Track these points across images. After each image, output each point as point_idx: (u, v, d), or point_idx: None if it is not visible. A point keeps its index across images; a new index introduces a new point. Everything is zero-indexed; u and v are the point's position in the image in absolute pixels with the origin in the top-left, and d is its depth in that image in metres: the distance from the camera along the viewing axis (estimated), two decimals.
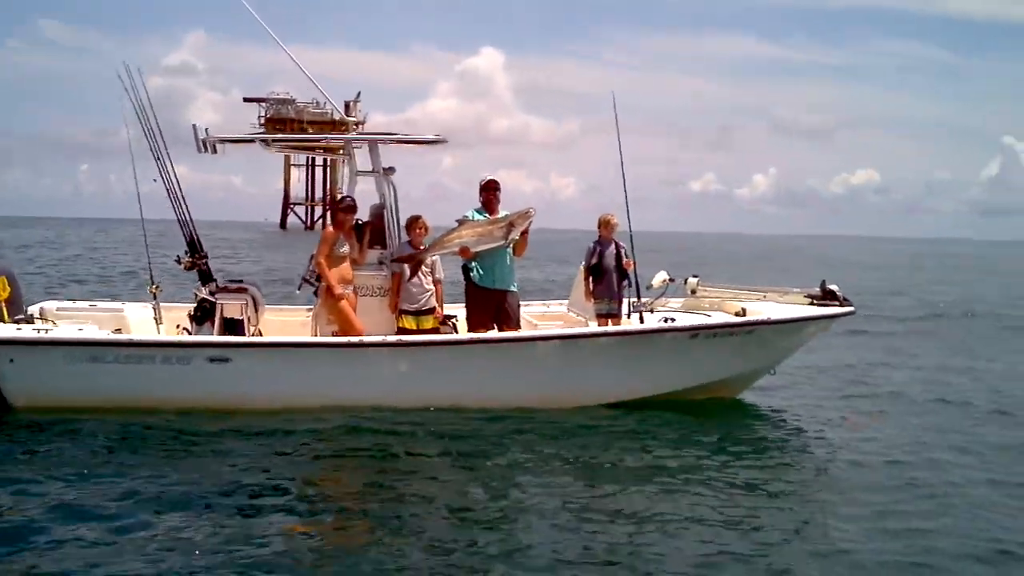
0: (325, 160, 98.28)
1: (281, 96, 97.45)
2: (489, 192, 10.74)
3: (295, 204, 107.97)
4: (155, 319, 10.78)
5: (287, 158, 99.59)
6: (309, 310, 11.03)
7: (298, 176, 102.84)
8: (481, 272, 10.69)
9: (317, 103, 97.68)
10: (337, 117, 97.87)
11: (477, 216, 10.65)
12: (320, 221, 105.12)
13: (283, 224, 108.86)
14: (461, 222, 10.49)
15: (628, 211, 10.87)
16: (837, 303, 11.52)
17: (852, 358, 15.80)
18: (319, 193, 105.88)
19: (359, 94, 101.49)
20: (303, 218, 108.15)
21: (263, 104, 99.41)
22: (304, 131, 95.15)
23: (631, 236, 10.87)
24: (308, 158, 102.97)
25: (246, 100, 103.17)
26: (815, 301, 11.62)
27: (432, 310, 10.66)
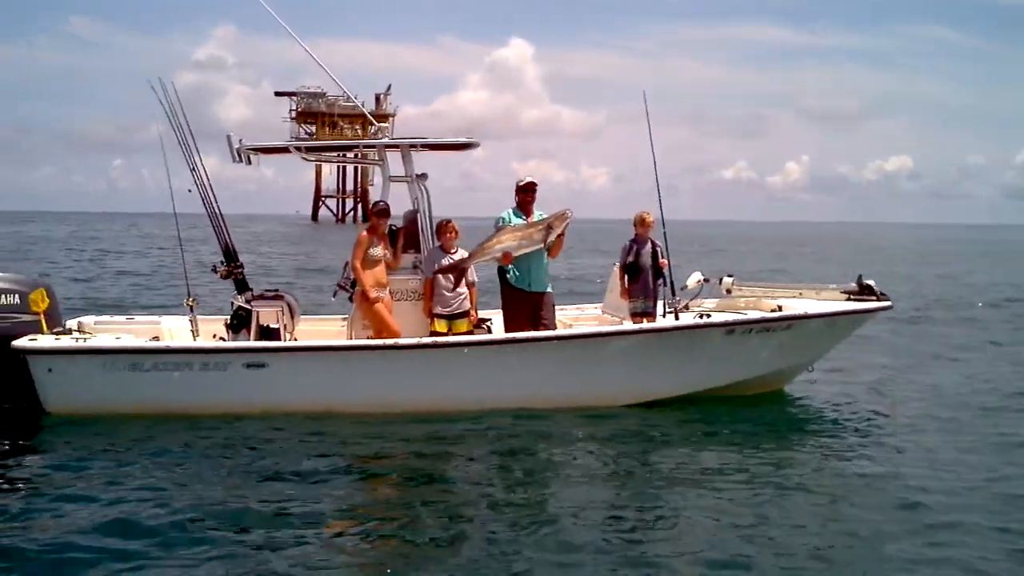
0: (356, 153, 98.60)
1: (312, 90, 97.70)
2: (527, 194, 10.73)
3: (326, 197, 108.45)
4: (192, 331, 10.88)
5: (313, 139, 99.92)
6: (344, 319, 11.07)
7: (329, 169, 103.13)
8: (517, 274, 10.68)
9: (348, 95, 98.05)
10: (368, 110, 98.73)
11: (513, 217, 10.66)
12: (351, 214, 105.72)
13: (314, 217, 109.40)
14: (499, 226, 10.49)
15: (661, 206, 10.84)
16: (874, 298, 11.44)
17: (892, 353, 15.60)
18: (350, 186, 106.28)
19: (389, 87, 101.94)
20: (334, 211, 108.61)
21: (294, 98, 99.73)
22: (336, 125, 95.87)
23: (664, 229, 10.81)
24: (339, 155, 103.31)
25: (277, 94, 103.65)
26: (852, 296, 11.56)
27: (466, 313, 10.68)
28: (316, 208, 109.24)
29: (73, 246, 51.65)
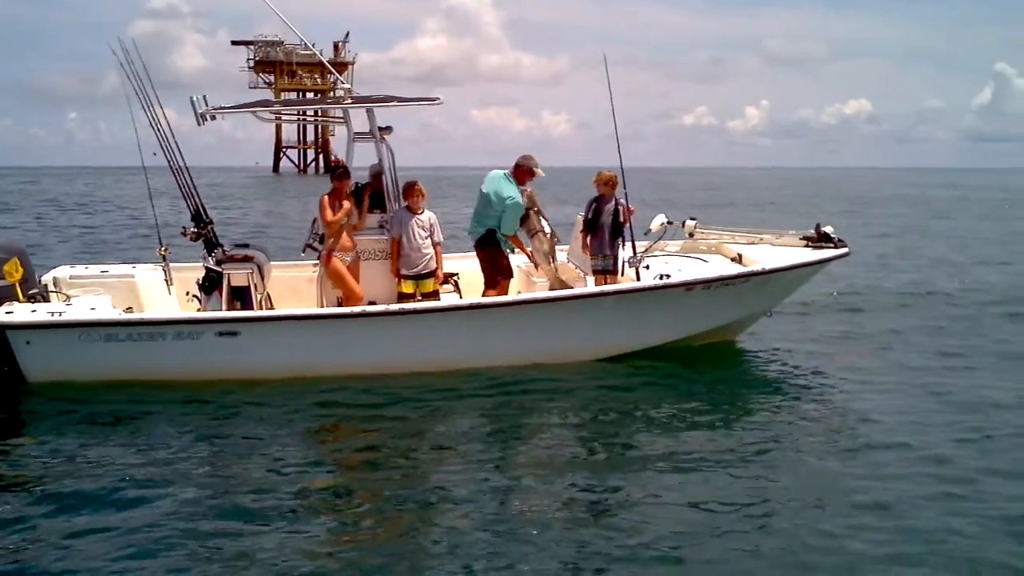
0: (317, 111, 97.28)
1: (269, 39, 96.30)
2: (531, 176, 11.16)
3: (287, 147, 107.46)
4: (166, 281, 11.04)
5: (277, 98, 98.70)
6: (315, 266, 11.23)
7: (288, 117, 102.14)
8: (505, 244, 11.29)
9: (307, 44, 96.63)
10: (326, 59, 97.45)
11: (507, 182, 11.00)
12: (313, 164, 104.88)
13: (276, 168, 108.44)
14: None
15: (621, 161, 10.91)
16: (832, 245, 11.71)
17: (846, 298, 16.04)
18: (311, 137, 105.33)
19: (347, 34, 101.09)
20: (296, 162, 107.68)
21: (251, 47, 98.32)
22: (294, 73, 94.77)
23: (623, 176, 10.87)
24: (299, 97, 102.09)
25: (234, 43, 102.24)
26: (810, 243, 11.80)
27: (432, 273, 10.90)
28: (277, 159, 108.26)
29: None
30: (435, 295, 10.99)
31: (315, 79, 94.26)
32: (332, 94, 11.54)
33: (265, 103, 11.12)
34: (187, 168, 11.04)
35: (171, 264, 11.20)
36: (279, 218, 37.38)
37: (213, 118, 10.67)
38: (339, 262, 10.63)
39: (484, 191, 11.14)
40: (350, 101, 11.06)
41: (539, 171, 11.22)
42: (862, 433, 8.56)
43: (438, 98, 11.16)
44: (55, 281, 10.74)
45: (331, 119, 12.04)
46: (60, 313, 9.79)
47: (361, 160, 11.21)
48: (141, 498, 6.97)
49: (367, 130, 11.09)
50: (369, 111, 11.02)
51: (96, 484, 7.27)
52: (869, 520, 6.56)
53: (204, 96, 10.59)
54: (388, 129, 11.17)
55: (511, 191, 11.01)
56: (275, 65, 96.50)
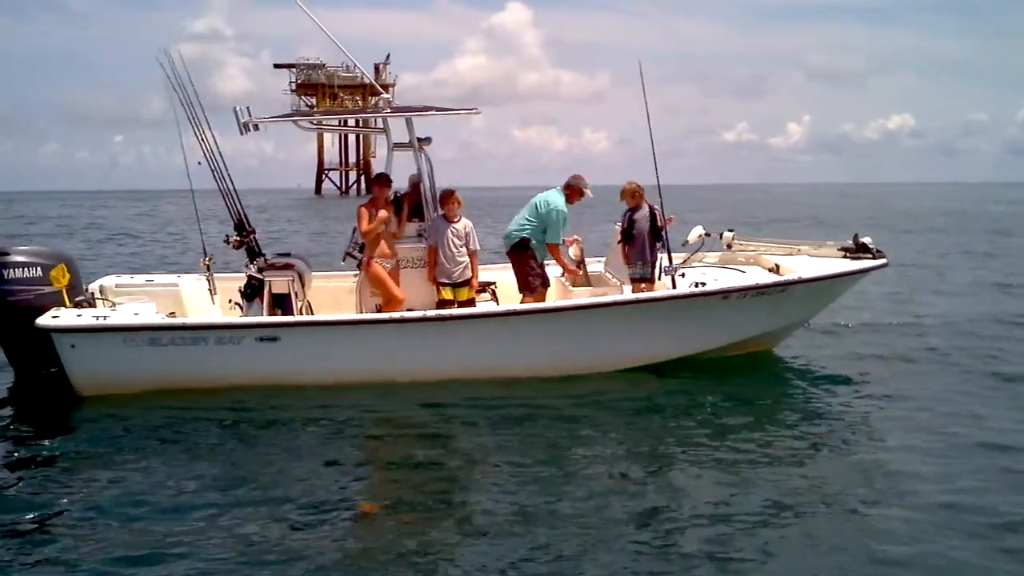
0: (358, 123, 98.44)
1: (311, 61, 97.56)
2: (580, 196, 11.46)
3: (329, 170, 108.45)
4: (209, 291, 11.28)
5: (319, 109, 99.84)
6: (355, 276, 11.41)
7: (331, 141, 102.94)
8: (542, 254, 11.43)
9: (347, 67, 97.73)
10: (368, 81, 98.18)
11: (559, 195, 11.29)
12: (355, 186, 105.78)
13: (318, 190, 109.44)
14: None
15: (657, 174, 10.99)
16: (870, 256, 11.68)
17: (888, 309, 15.88)
18: (352, 158, 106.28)
19: (388, 56, 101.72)
20: (338, 183, 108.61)
21: (293, 70, 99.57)
22: (336, 96, 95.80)
23: (659, 194, 10.99)
24: (340, 122, 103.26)
25: (276, 66, 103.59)
26: (848, 254, 11.78)
27: (467, 281, 11.02)
28: (319, 181, 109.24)
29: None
30: (471, 303, 11.10)
31: (356, 101, 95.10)
32: (378, 97, 11.84)
33: (305, 112, 11.33)
34: (231, 178, 11.29)
35: (215, 274, 11.44)
36: (322, 236, 37.72)
37: (256, 128, 10.91)
38: (379, 266, 10.78)
39: (533, 200, 11.37)
40: (389, 110, 11.26)
41: (588, 192, 11.48)
42: (893, 451, 8.38)
43: (475, 108, 11.36)
44: (101, 289, 11.00)
45: (371, 129, 12.23)
46: (105, 317, 10.03)
47: (400, 177, 11.39)
48: (182, 503, 7.12)
49: (406, 140, 11.27)
50: (408, 121, 11.20)
51: (136, 488, 7.43)
52: (897, 550, 6.34)
53: (248, 107, 10.85)
54: (427, 140, 11.36)
55: (561, 203, 11.22)
56: (317, 88, 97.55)
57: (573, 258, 11.76)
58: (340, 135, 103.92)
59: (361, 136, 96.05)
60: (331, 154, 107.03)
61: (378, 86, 13.66)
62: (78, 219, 58.45)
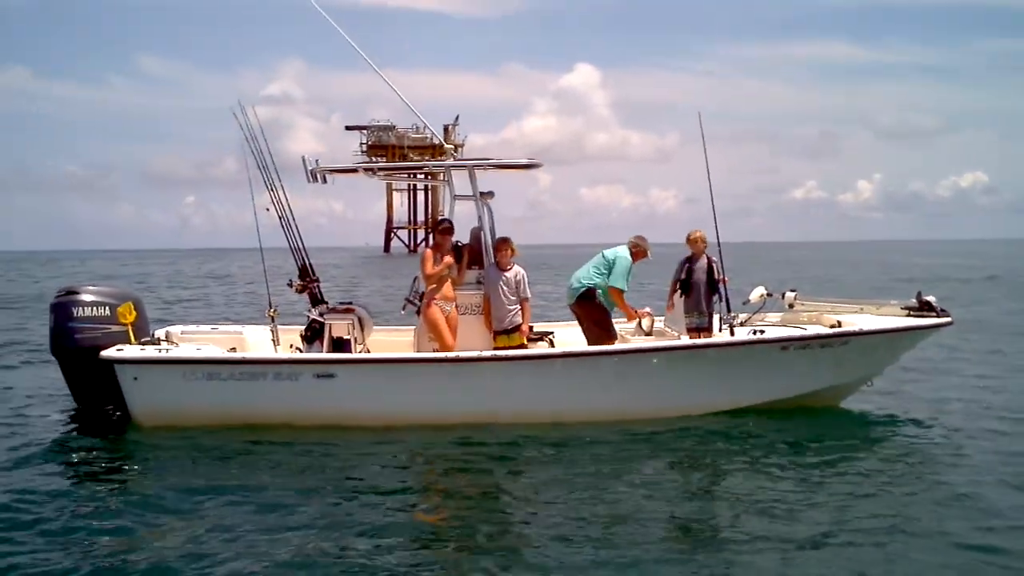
0: (426, 188, 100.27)
1: (382, 123, 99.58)
2: (644, 256, 11.71)
3: (398, 228, 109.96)
4: (272, 340, 11.50)
5: (389, 183, 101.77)
6: (414, 329, 11.55)
7: (400, 200, 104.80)
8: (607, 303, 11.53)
9: (417, 128, 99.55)
10: (437, 141, 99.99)
11: (627, 251, 11.57)
12: (423, 243, 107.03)
13: (387, 248, 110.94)
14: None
15: (716, 227, 11.21)
16: (934, 314, 11.50)
17: (956, 369, 15.51)
18: (420, 216, 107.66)
19: (457, 117, 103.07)
20: (406, 242, 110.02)
21: (364, 131, 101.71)
22: (405, 157, 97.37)
23: (719, 249, 11.17)
24: (409, 182, 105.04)
25: (348, 128, 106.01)
26: (912, 312, 11.63)
27: (517, 328, 11.09)
28: (388, 239, 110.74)
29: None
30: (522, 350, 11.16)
31: (425, 161, 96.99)
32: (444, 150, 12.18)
33: (370, 164, 11.62)
34: (298, 229, 11.59)
35: (279, 326, 11.65)
36: (387, 287, 38.02)
37: (324, 179, 11.23)
38: (437, 310, 10.90)
39: (601, 253, 11.68)
40: (452, 161, 11.50)
41: (650, 255, 11.77)
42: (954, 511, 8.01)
43: (537, 162, 11.52)
44: (167, 335, 11.31)
45: (435, 180, 12.50)
46: (167, 351, 10.32)
47: (463, 224, 11.58)
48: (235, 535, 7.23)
49: (469, 193, 11.47)
50: (471, 173, 11.42)
51: (193, 520, 7.59)
52: None
53: (316, 159, 11.18)
54: (490, 193, 11.60)
55: (628, 255, 11.50)
56: (387, 148, 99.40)
57: (644, 329, 11.89)
58: (409, 193, 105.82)
59: (430, 194, 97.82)
60: (400, 212, 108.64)
61: (444, 143, 13.98)
62: (155, 275, 59.91)
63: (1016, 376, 14.89)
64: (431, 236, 11.41)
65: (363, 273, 59.06)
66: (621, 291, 11.45)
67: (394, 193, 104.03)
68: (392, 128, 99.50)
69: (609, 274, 11.44)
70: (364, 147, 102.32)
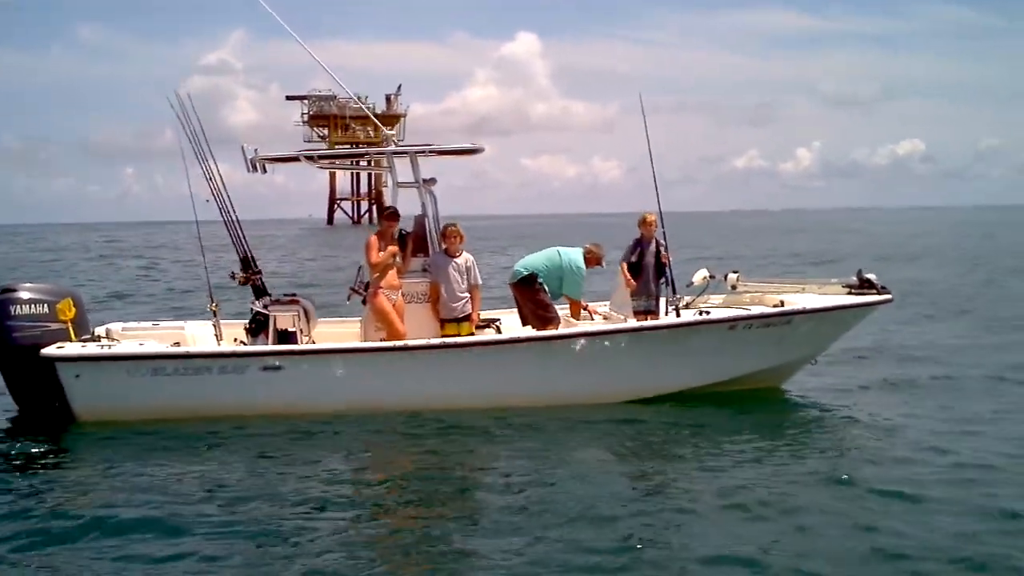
0: (369, 160, 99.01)
1: (323, 93, 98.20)
2: (597, 264, 11.92)
3: (341, 200, 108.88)
4: (215, 336, 11.33)
5: (326, 151, 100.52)
6: (360, 320, 11.48)
7: (343, 172, 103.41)
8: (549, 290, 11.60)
9: (359, 97, 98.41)
10: (379, 111, 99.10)
11: (581, 258, 11.67)
12: (367, 215, 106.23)
13: (330, 220, 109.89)
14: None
15: (659, 203, 11.32)
16: (875, 291, 11.71)
17: (895, 344, 15.80)
18: (364, 188, 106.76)
19: (399, 87, 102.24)
20: (350, 213, 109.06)
21: (305, 101, 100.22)
22: (347, 127, 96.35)
23: (662, 220, 11.31)
24: (352, 170, 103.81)
25: (288, 98, 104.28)
26: (853, 291, 11.82)
27: (468, 316, 11.09)
28: (331, 211, 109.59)
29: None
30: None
31: (368, 132, 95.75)
32: (382, 134, 12.06)
33: (311, 152, 11.48)
34: (237, 218, 11.41)
35: (221, 320, 11.48)
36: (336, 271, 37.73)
37: (264, 169, 11.06)
38: (384, 299, 10.84)
39: (554, 249, 11.78)
40: (393, 148, 11.39)
41: (604, 264, 12.01)
42: (900, 481, 8.26)
43: (479, 147, 11.46)
44: (107, 332, 11.08)
45: (376, 168, 12.41)
46: (109, 347, 10.14)
47: (407, 209, 11.50)
48: (178, 527, 7.24)
49: (411, 180, 11.37)
50: (413, 160, 11.32)
51: (137, 513, 7.54)
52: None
53: (256, 148, 11.01)
54: (432, 180, 11.51)
55: (582, 263, 11.64)
56: (328, 119, 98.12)
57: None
58: (352, 162, 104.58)
59: (373, 163, 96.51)
60: (343, 183, 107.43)
61: (379, 124, 13.84)
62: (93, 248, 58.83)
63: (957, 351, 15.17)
64: (378, 213, 11.29)
65: (310, 246, 58.55)
66: (578, 300, 11.70)
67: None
68: (334, 98, 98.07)
69: (562, 280, 11.53)
70: (305, 117, 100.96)
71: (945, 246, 49.78)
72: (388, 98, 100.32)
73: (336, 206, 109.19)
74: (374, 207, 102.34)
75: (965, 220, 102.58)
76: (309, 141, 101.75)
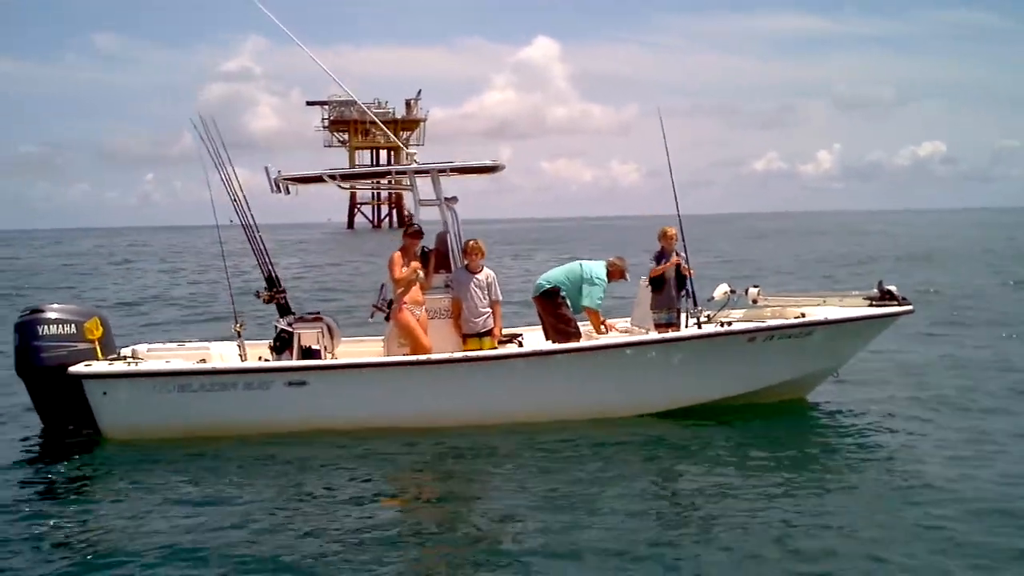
0: (389, 157, 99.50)
1: (343, 98, 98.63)
2: (620, 277, 12.02)
3: (361, 204, 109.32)
4: (240, 356, 11.46)
5: (351, 158, 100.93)
6: (382, 339, 11.54)
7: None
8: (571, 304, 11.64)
9: (379, 102, 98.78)
10: (399, 116, 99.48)
11: (603, 269, 11.79)
12: (387, 219, 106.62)
13: (350, 224, 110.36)
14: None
15: (679, 215, 11.33)
16: (896, 303, 11.69)
17: (919, 354, 15.70)
18: (384, 193, 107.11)
19: (419, 92, 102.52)
20: (370, 217, 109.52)
21: (325, 107, 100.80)
22: (367, 132, 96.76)
23: (680, 227, 11.39)
24: (372, 155, 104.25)
25: (309, 103, 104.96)
26: (874, 302, 11.80)
27: (489, 332, 11.16)
28: (352, 215, 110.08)
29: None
30: None
31: (388, 136, 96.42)
32: (404, 153, 12.19)
33: (333, 171, 11.58)
34: (261, 238, 11.55)
35: (245, 341, 11.61)
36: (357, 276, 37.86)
37: (287, 190, 11.22)
38: (409, 314, 10.92)
39: (576, 263, 11.87)
40: (415, 166, 11.49)
41: (627, 277, 12.05)
42: (925, 500, 8.27)
43: (500, 165, 11.55)
44: (133, 352, 11.19)
45: (399, 187, 12.51)
46: (136, 363, 10.31)
47: (430, 225, 11.61)
48: (200, 551, 7.30)
49: (433, 197, 11.47)
50: (434, 178, 11.42)
51: (161, 535, 7.66)
52: None
53: (279, 170, 11.15)
54: (454, 198, 11.58)
55: (604, 274, 11.67)
56: (349, 124, 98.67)
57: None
58: (372, 166, 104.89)
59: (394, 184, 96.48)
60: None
61: (400, 144, 13.95)
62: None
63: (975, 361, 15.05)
64: (399, 218, 11.39)
65: (332, 250, 58.78)
66: (597, 311, 11.68)
67: (358, 164, 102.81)
68: (354, 103, 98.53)
69: (581, 292, 11.55)
70: (326, 122, 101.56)
71: (965, 248, 49.43)
72: (408, 103, 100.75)
73: (356, 210, 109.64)
74: (394, 211, 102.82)
75: (985, 222, 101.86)
76: (329, 146, 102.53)
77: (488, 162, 11.58)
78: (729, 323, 11.22)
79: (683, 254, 11.65)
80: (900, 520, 7.64)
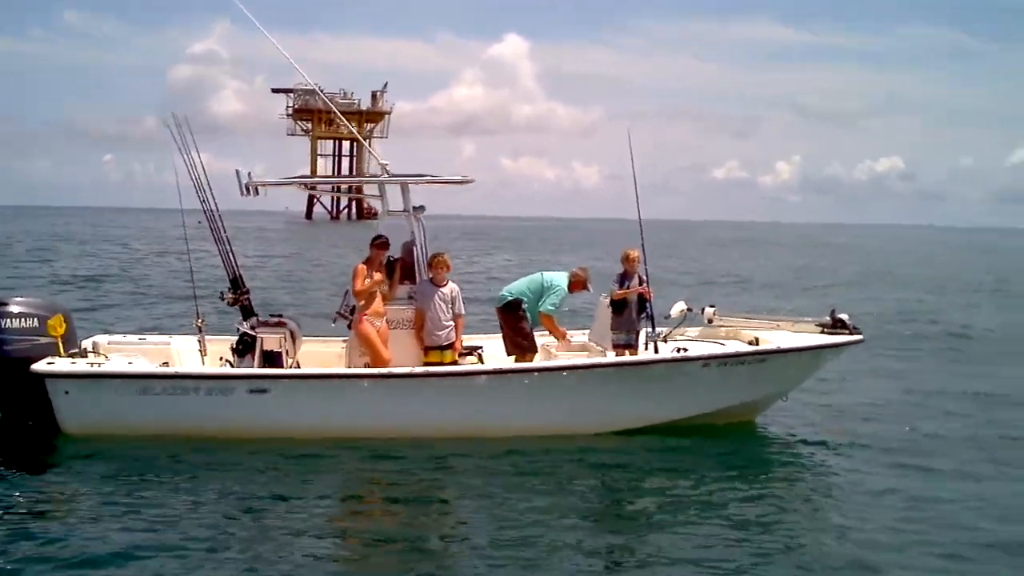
0: (352, 148, 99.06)
1: (308, 87, 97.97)
2: (582, 288, 12.22)
3: (320, 195, 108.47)
4: (200, 351, 11.50)
5: (313, 147, 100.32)
6: (345, 341, 11.68)
7: (324, 165, 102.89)
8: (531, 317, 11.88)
9: (345, 93, 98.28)
10: (364, 108, 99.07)
11: (564, 278, 11.99)
12: (346, 211, 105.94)
13: (309, 214, 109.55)
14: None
15: (641, 230, 11.39)
16: (847, 331, 12.03)
17: (865, 382, 16.09)
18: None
19: (386, 85, 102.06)
20: (329, 208, 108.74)
21: (291, 94, 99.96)
22: (331, 122, 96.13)
23: (641, 234, 11.37)
24: (335, 145, 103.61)
25: (274, 91, 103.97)
26: (826, 329, 12.13)
27: (451, 345, 11.29)
28: (310, 205, 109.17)
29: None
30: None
31: (351, 127, 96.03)
32: (367, 154, 12.38)
33: (305, 177, 11.69)
34: (228, 240, 11.61)
35: (206, 336, 11.65)
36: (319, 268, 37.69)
37: (257, 192, 11.26)
38: (369, 326, 11.02)
39: (538, 274, 12.07)
40: (385, 176, 11.60)
41: (591, 288, 12.22)
42: (874, 512, 8.90)
43: (469, 179, 11.72)
44: (94, 345, 11.22)
45: (367, 195, 12.61)
46: (99, 365, 10.30)
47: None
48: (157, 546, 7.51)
49: (401, 208, 11.59)
50: (404, 188, 11.54)
51: (117, 535, 7.76)
52: None
53: (249, 173, 11.21)
54: (421, 208, 11.68)
55: (564, 285, 11.87)
56: (313, 113, 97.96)
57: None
58: (334, 159, 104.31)
59: (354, 161, 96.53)
60: (324, 175, 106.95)
61: (374, 154, 13.98)
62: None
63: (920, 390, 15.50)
64: (359, 210, 11.47)
65: (290, 239, 58.39)
66: (550, 315, 11.83)
67: (318, 159, 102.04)
68: (319, 92, 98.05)
69: (539, 299, 11.73)
70: (290, 110, 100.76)
71: (919, 267, 50.48)
72: (374, 95, 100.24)
73: (316, 201, 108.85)
74: (353, 202, 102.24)
75: (942, 241, 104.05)
76: (292, 134, 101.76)
77: (459, 177, 11.73)
78: (685, 348, 11.41)
79: (645, 277, 11.81)
80: (834, 527, 8.36)
